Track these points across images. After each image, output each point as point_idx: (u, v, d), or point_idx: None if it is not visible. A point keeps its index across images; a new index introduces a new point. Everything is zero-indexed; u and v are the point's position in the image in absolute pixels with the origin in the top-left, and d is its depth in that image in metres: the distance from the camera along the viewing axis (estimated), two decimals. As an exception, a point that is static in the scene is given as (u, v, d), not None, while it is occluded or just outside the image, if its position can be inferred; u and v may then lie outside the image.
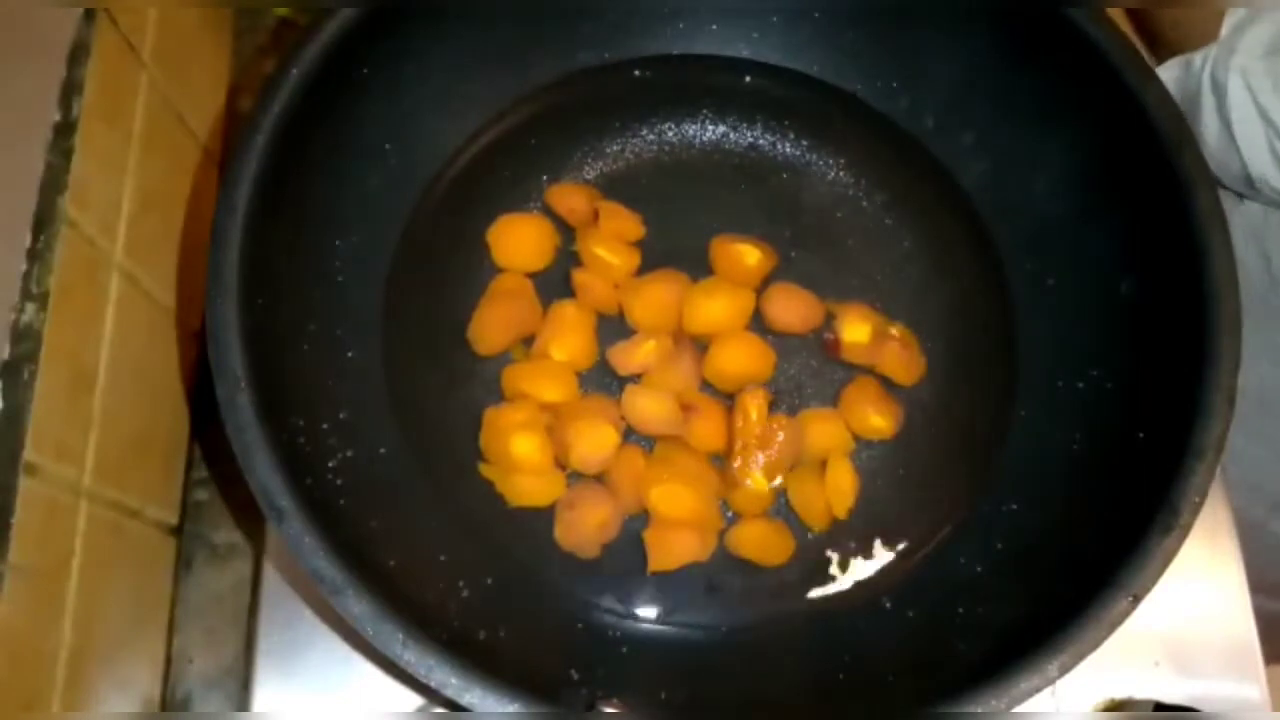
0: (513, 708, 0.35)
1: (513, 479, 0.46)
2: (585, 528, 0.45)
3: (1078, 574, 0.39)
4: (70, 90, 0.41)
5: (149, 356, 0.50)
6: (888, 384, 0.50)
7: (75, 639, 0.41)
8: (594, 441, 0.46)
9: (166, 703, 0.50)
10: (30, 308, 0.38)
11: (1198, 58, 0.54)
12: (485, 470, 0.47)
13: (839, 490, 0.47)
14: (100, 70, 0.43)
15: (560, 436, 0.46)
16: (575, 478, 0.47)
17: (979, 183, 0.52)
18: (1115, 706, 0.47)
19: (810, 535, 0.47)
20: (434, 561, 0.43)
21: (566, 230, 0.52)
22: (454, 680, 0.35)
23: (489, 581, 0.43)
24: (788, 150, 0.54)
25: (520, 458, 0.46)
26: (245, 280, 0.39)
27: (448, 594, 0.42)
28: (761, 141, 0.54)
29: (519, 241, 0.50)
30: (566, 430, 0.46)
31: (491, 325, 0.48)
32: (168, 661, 0.51)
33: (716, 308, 0.49)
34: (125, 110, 0.47)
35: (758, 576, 0.47)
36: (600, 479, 0.47)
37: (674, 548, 0.46)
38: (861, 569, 0.47)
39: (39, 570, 0.38)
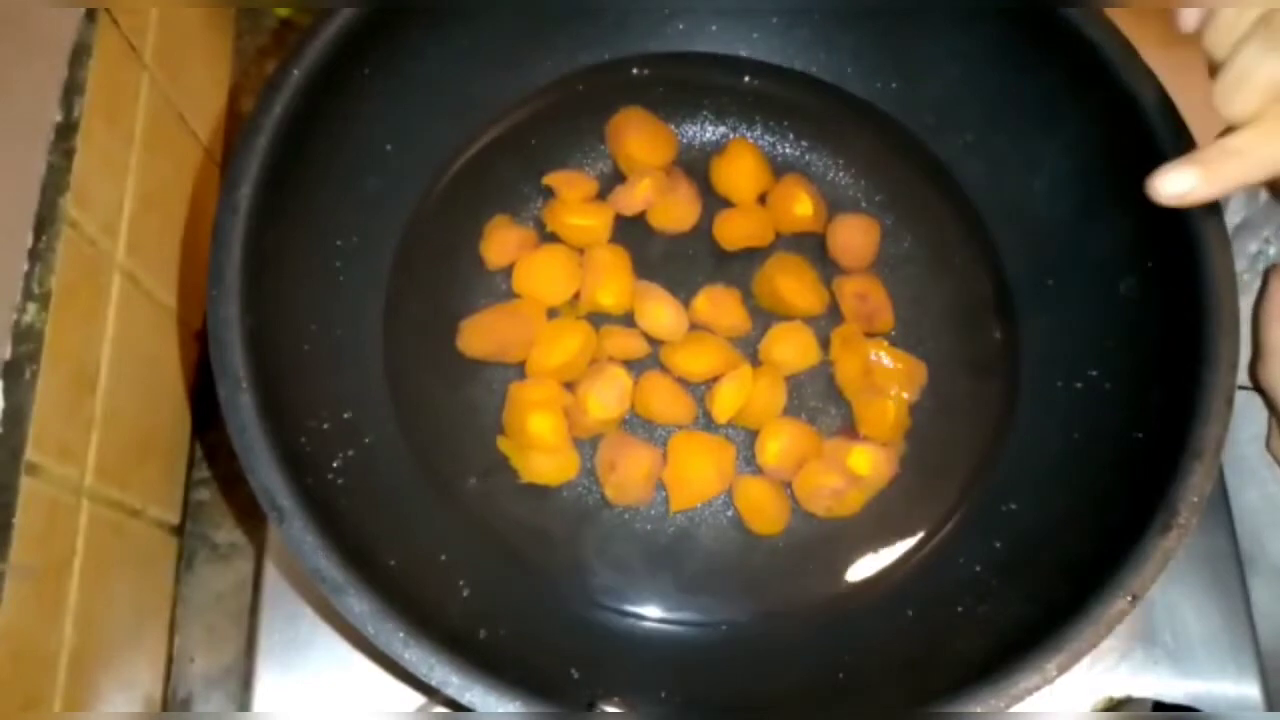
0: (513, 707, 0.35)
1: (527, 455, 0.47)
2: (635, 481, 0.46)
3: (1077, 573, 0.39)
4: (72, 91, 0.41)
5: (150, 356, 0.50)
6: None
7: (77, 638, 0.41)
8: (608, 386, 0.47)
9: (168, 702, 0.50)
10: (32, 308, 0.38)
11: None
12: (502, 444, 0.47)
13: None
14: (101, 71, 0.43)
15: (577, 399, 0.47)
16: (591, 456, 0.48)
17: (978, 182, 0.52)
18: (1115, 706, 0.47)
19: (809, 533, 0.48)
20: (434, 561, 0.43)
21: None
22: (455, 679, 0.35)
23: (489, 581, 0.44)
24: (788, 150, 0.54)
25: (535, 435, 0.46)
26: (246, 280, 0.39)
27: (448, 594, 0.42)
28: (761, 142, 0.54)
29: (543, 272, 0.50)
30: (580, 390, 0.47)
31: (481, 330, 0.49)
32: (169, 661, 0.51)
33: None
34: (127, 111, 0.47)
35: (758, 574, 0.47)
36: (624, 426, 0.48)
37: (693, 485, 0.47)
38: (861, 568, 0.47)
39: (41, 570, 0.38)
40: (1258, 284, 0.49)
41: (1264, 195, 0.54)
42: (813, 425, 0.49)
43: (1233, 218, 0.54)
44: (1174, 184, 0.35)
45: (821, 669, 0.43)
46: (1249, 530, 0.52)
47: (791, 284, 0.50)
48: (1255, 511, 0.53)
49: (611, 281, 0.49)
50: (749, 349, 0.50)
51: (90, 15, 0.43)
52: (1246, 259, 0.53)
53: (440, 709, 0.45)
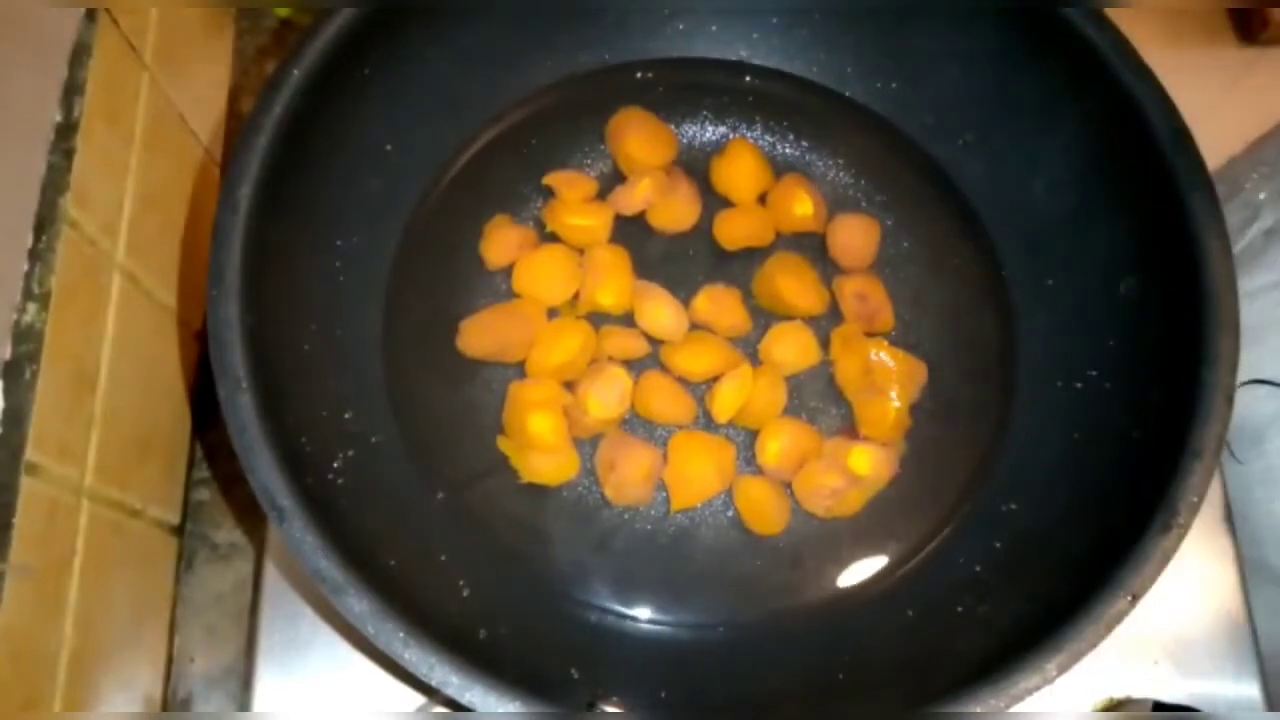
0: (513, 707, 0.35)
1: (527, 455, 0.47)
2: (634, 481, 0.47)
3: (1076, 573, 0.39)
4: (72, 91, 0.41)
5: (150, 356, 0.50)
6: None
7: (77, 638, 0.41)
8: (608, 386, 0.47)
9: (168, 702, 0.50)
10: (32, 308, 0.38)
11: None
12: (502, 444, 0.47)
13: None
14: (101, 71, 0.43)
15: (577, 399, 0.47)
16: (591, 456, 0.48)
17: (978, 183, 0.52)
18: (1115, 706, 0.47)
19: (809, 533, 0.48)
20: (434, 561, 0.43)
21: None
22: (455, 679, 0.35)
23: (489, 581, 0.44)
24: (788, 150, 0.54)
25: (535, 435, 0.46)
26: (246, 280, 0.39)
27: (448, 594, 0.42)
28: (761, 142, 0.54)
29: (543, 272, 0.50)
30: (580, 390, 0.47)
31: (481, 330, 0.49)
32: (169, 661, 0.51)
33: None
34: (126, 111, 0.47)
35: (758, 574, 0.47)
36: (624, 426, 0.48)
37: (693, 485, 0.47)
38: (861, 568, 0.47)
39: (41, 570, 0.38)
40: None
41: None
42: (813, 425, 0.49)
43: (1264, 223, 0.53)
44: None
45: (821, 669, 0.43)
46: (1275, 539, 0.52)
47: (791, 284, 0.50)
48: None
49: (611, 281, 0.49)
50: (749, 349, 0.50)
51: (90, 15, 0.43)
52: None
53: (440, 709, 0.45)
